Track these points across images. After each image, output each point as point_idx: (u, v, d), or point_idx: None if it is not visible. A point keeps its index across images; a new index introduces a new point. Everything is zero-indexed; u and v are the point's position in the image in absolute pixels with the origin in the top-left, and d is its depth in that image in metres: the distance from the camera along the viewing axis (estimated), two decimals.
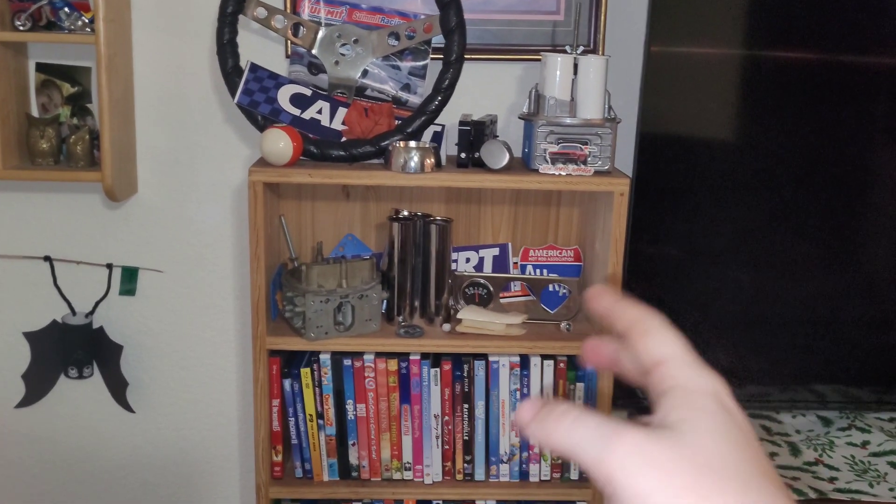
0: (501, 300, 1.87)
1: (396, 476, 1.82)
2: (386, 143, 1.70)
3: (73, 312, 1.96)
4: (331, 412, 1.78)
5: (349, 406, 1.78)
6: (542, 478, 1.83)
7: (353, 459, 1.81)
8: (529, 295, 1.91)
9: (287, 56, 1.83)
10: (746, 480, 0.35)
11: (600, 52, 1.84)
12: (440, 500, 1.84)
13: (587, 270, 1.89)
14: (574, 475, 1.83)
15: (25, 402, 1.99)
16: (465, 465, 1.82)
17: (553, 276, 1.91)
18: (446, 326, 1.77)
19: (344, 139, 1.75)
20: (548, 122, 1.66)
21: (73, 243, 1.94)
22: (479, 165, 1.71)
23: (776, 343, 1.89)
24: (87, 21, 1.73)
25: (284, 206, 1.86)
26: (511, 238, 1.92)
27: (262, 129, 1.72)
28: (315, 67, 1.81)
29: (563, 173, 1.66)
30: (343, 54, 1.79)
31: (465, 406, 1.79)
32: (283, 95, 1.73)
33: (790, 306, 1.85)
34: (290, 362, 1.77)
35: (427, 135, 1.77)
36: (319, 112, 1.75)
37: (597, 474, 0.36)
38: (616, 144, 1.69)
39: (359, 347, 1.74)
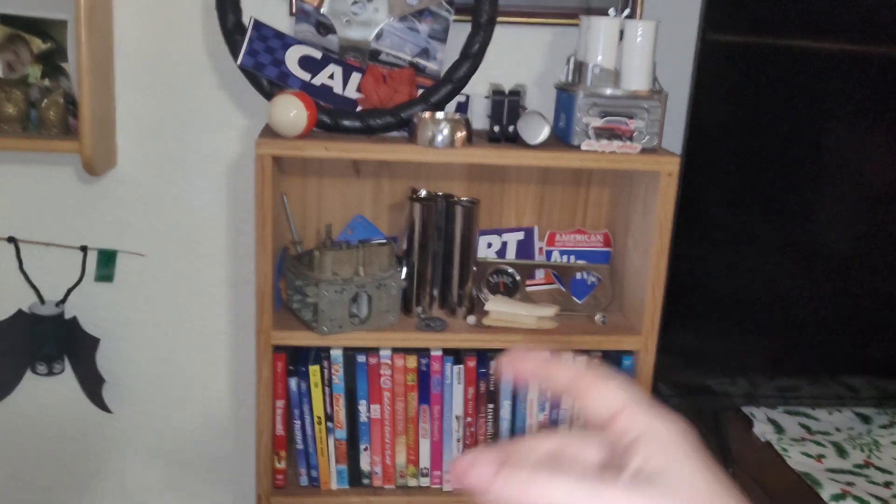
0: (527, 289, 1.70)
1: (412, 483, 1.65)
2: (408, 113, 1.51)
3: (42, 301, 1.73)
4: (341, 414, 1.60)
5: (362, 407, 1.60)
6: None
7: (364, 465, 1.63)
8: (555, 283, 1.75)
9: (292, 14, 1.62)
10: None
11: (638, 16, 1.67)
12: None
13: (616, 257, 1.74)
14: None
15: None
16: None
17: (582, 262, 1.75)
18: (471, 319, 1.60)
19: (360, 108, 1.55)
20: (590, 93, 1.49)
21: (41, 222, 1.71)
22: (511, 140, 1.53)
23: (808, 334, 1.77)
24: None
25: (286, 183, 1.66)
26: (537, 221, 1.74)
27: (268, 95, 1.52)
28: (323, 27, 1.61)
29: (608, 150, 1.49)
30: (355, 13, 1.59)
31: (490, 406, 1.63)
32: (292, 58, 1.53)
33: (834, 299, 1.72)
34: (296, 359, 1.58)
35: (449, 106, 1.58)
36: (331, 77, 1.56)
37: None
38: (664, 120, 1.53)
39: (375, 342, 1.56)
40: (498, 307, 1.58)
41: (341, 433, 1.61)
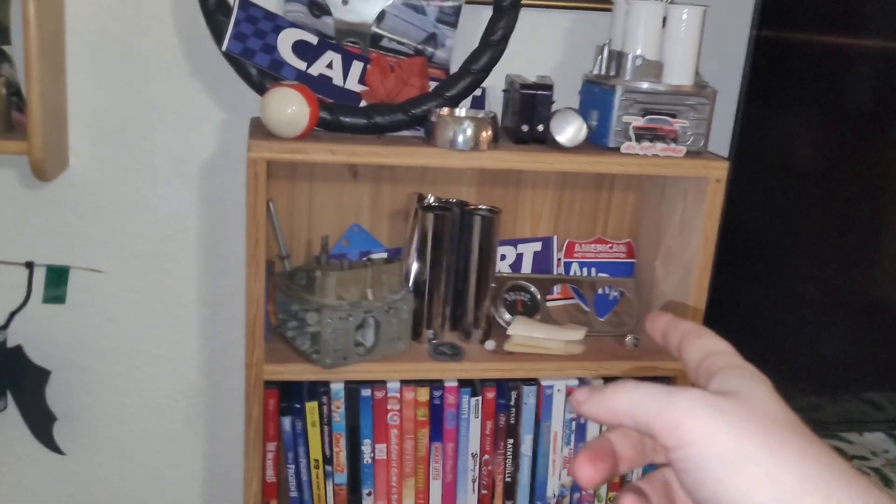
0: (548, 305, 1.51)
1: None
2: (420, 109, 1.30)
3: None
4: (342, 455, 1.39)
5: (366, 447, 1.39)
6: None
7: None
8: (573, 298, 1.57)
9: None
10: (807, 436, 0.35)
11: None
12: None
13: (641, 269, 1.57)
14: None
15: None
16: None
17: (604, 275, 1.57)
18: (489, 344, 1.40)
19: (363, 103, 1.34)
20: (631, 88, 1.30)
21: None
22: (539, 141, 1.34)
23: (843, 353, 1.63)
24: None
25: (272, 188, 1.44)
26: (554, 229, 1.56)
27: (257, 87, 1.29)
28: (317, 7, 1.38)
29: (650, 153, 1.31)
30: None
31: (510, 441, 1.44)
32: (285, 43, 1.30)
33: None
34: (290, 394, 1.37)
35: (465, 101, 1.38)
36: (330, 66, 1.33)
37: (658, 425, 0.36)
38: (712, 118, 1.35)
39: (383, 374, 1.35)
40: (521, 331, 1.39)
41: (341, 477, 1.40)
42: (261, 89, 1.28)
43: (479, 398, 1.40)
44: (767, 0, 1.30)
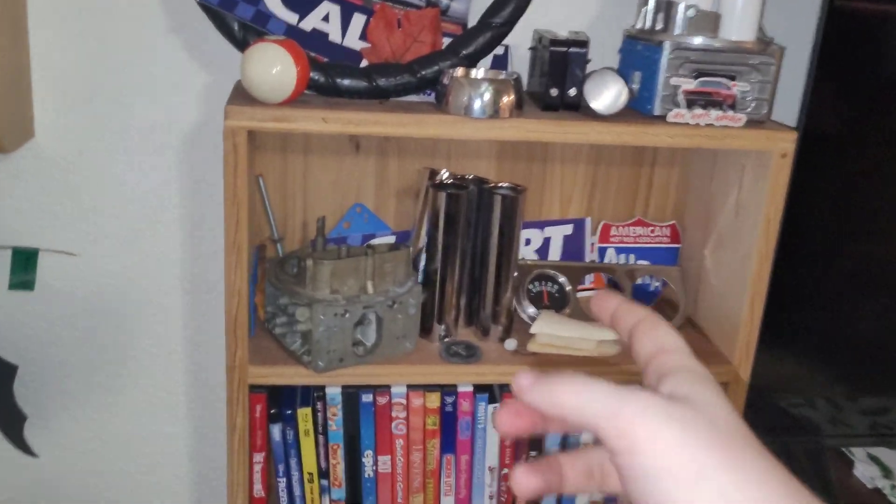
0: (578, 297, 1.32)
1: None
2: (431, 70, 1.11)
3: None
4: (340, 468, 1.21)
5: (367, 459, 1.22)
6: None
7: None
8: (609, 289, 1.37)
9: None
10: (762, 452, 0.35)
11: None
12: None
13: (687, 256, 1.37)
14: None
15: None
16: None
17: (645, 263, 1.37)
18: (510, 343, 1.22)
19: (365, 63, 1.15)
20: (681, 44, 1.10)
21: None
22: (572, 107, 1.14)
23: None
24: None
25: (262, 162, 1.25)
26: (587, 210, 1.36)
27: (239, 43, 1.10)
28: None
29: (703, 122, 1.10)
30: None
31: (533, 454, 1.26)
32: None
33: None
34: (279, 399, 1.19)
35: (484, 61, 1.18)
36: (325, 19, 1.14)
37: (607, 429, 0.35)
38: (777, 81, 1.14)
39: (386, 378, 1.17)
40: (547, 328, 1.20)
41: (339, 493, 1.23)
42: (243, 46, 1.09)
43: (498, 405, 1.22)
44: None
